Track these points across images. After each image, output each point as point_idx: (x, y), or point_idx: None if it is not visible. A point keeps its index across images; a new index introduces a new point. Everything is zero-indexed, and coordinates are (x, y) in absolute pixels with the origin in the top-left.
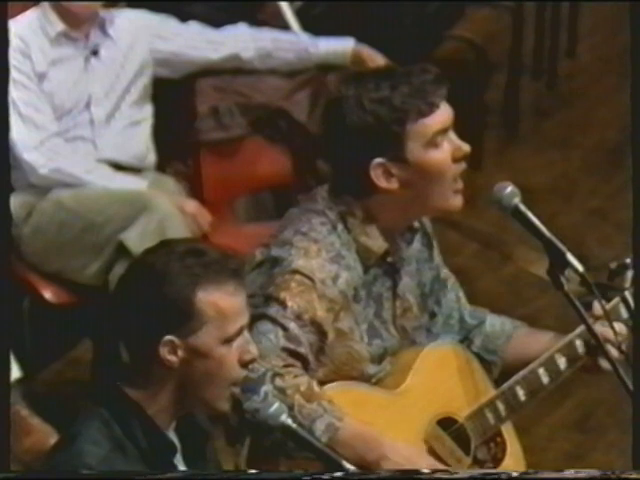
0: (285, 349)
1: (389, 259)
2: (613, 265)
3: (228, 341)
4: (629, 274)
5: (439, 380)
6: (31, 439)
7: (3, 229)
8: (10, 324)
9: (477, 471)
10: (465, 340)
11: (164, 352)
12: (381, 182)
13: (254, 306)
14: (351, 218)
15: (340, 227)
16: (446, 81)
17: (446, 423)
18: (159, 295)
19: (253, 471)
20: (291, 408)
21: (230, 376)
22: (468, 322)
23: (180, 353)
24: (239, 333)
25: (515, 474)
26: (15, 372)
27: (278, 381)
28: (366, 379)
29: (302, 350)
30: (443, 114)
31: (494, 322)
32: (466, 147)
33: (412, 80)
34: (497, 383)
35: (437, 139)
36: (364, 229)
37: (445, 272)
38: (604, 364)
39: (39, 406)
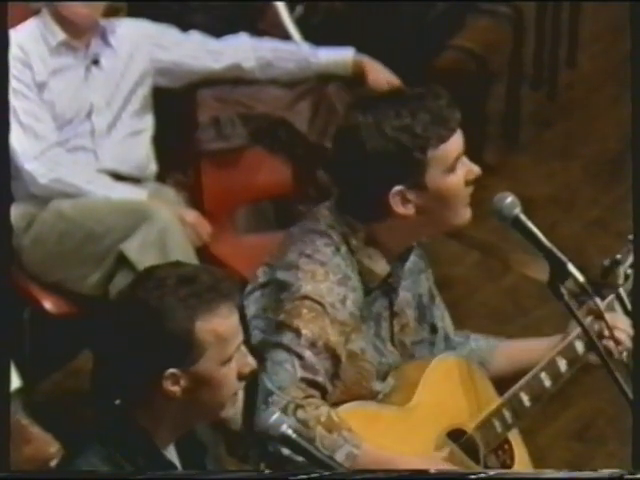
0: (304, 379)
1: (389, 280)
2: (606, 262)
3: (227, 361)
4: (622, 270)
5: (447, 393)
6: (31, 448)
7: (4, 239)
8: (11, 334)
9: (487, 471)
10: None
11: (167, 384)
12: (399, 208)
13: (259, 329)
14: (354, 240)
15: (344, 248)
16: (457, 105)
17: (455, 435)
18: (158, 332)
19: (252, 471)
20: (313, 439)
21: (231, 392)
22: (454, 339)
23: (183, 383)
24: (236, 351)
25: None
26: (15, 382)
27: (300, 413)
28: (374, 396)
29: (320, 379)
30: (459, 138)
31: (478, 338)
32: (477, 169)
33: (428, 105)
34: None
35: (455, 164)
36: (367, 252)
37: (434, 288)
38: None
39: (39, 416)
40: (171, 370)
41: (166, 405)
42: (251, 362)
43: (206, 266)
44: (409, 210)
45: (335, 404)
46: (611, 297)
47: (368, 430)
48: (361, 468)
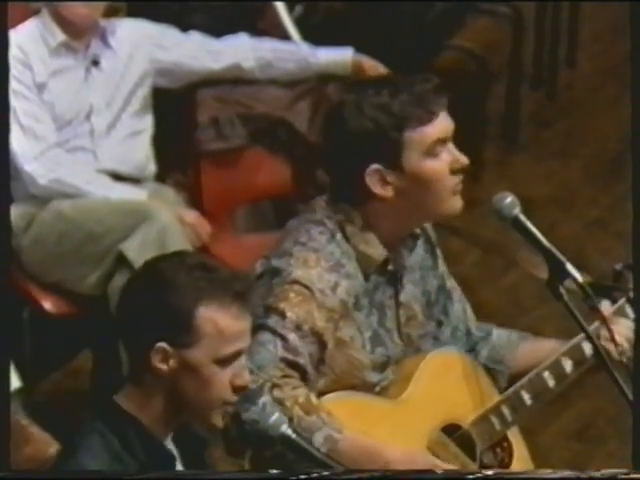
0: (283, 359)
1: (390, 267)
2: (619, 266)
3: (222, 362)
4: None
5: (442, 387)
6: (31, 448)
7: (3, 240)
8: (10, 334)
9: (484, 471)
10: (471, 352)
11: (155, 359)
12: (376, 189)
13: (255, 317)
14: (350, 226)
15: (339, 236)
16: (447, 91)
17: (451, 429)
18: (161, 302)
19: (252, 471)
20: (290, 420)
21: (220, 397)
22: (475, 334)
23: (171, 363)
24: (235, 356)
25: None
26: (15, 382)
27: (276, 392)
28: (368, 387)
29: (301, 361)
30: (442, 123)
31: (500, 334)
32: (464, 159)
33: (413, 88)
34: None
35: (435, 149)
36: (363, 237)
37: (451, 283)
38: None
39: (39, 416)
40: (162, 344)
41: (154, 386)
42: (246, 377)
43: (231, 268)
44: (388, 192)
45: (325, 394)
46: (622, 301)
47: (355, 421)
48: (342, 454)
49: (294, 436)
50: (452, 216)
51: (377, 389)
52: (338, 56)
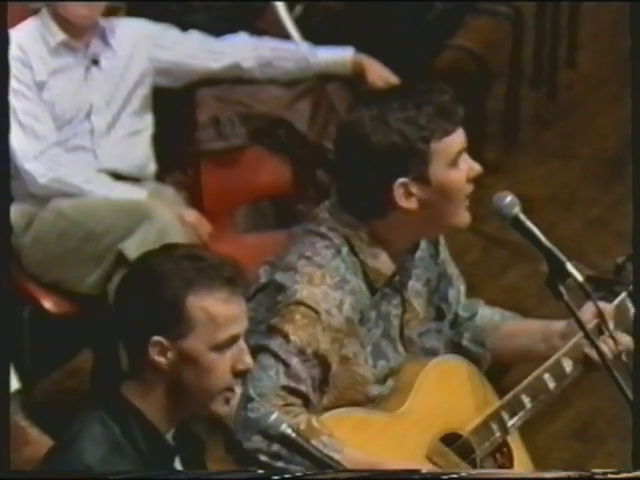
0: (285, 387)
1: (397, 278)
2: (619, 260)
3: (219, 348)
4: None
5: (442, 396)
6: (30, 449)
7: (3, 239)
8: (10, 334)
9: (480, 471)
10: (456, 334)
11: (153, 353)
12: (402, 202)
13: (261, 333)
14: (357, 241)
15: (345, 250)
16: (460, 102)
17: (451, 439)
18: (152, 296)
19: (252, 471)
20: None
21: (221, 384)
22: (461, 315)
23: (169, 355)
24: (232, 341)
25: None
26: (14, 383)
27: None
28: (370, 400)
29: (302, 388)
30: (462, 134)
31: (484, 315)
32: (478, 167)
33: (433, 99)
34: (487, 375)
35: (457, 159)
36: (371, 252)
37: (451, 267)
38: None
39: (38, 416)
40: (157, 338)
41: (156, 380)
42: (247, 361)
43: (219, 254)
44: (412, 204)
45: (328, 409)
46: (623, 295)
47: (356, 437)
48: None
49: (294, 435)
50: (463, 228)
51: (377, 400)
52: (338, 56)
